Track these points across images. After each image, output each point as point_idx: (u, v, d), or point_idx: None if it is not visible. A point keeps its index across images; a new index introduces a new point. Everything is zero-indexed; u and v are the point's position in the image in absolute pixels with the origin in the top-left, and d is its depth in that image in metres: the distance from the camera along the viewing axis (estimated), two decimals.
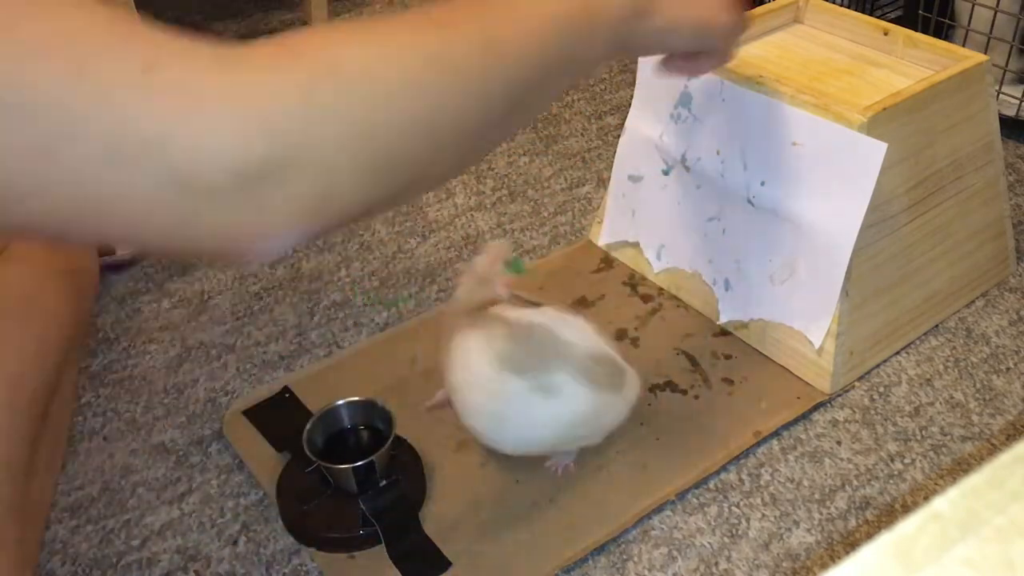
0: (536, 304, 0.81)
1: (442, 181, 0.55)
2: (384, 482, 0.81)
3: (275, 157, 0.42)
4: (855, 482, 0.85)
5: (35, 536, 0.79)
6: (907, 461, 0.86)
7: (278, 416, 0.92)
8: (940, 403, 0.92)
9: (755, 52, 1.05)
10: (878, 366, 0.96)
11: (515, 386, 0.76)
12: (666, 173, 1.03)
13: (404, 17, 0.52)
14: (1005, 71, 1.29)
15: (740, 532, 0.81)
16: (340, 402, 0.85)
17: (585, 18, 0.59)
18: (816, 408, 0.92)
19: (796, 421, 0.91)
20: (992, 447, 0.88)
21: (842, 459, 0.87)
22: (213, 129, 0.41)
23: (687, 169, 1.00)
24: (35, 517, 0.79)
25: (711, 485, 0.85)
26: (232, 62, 0.43)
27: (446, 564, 0.78)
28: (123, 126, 0.40)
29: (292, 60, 0.45)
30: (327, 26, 0.50)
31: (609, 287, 1.08)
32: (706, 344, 0.99)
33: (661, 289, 1.07)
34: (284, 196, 0.43)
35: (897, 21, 1.19)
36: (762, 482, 0.85)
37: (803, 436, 0.89)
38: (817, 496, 0.84)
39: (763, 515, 0.82)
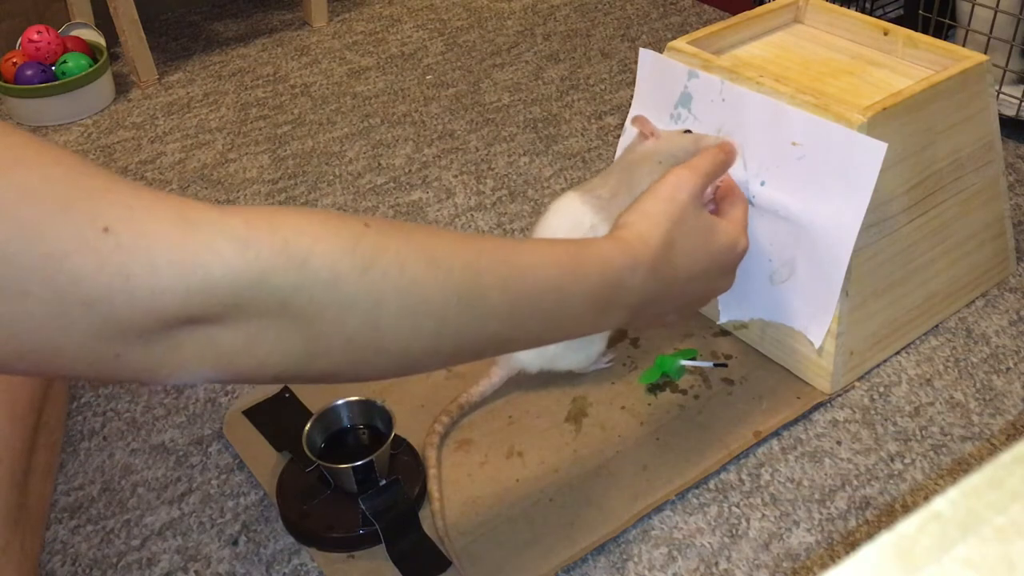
0: None
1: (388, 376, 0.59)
2: (384, 482, 0.81)
3: (208, 313, 0.44)
4: (855, 482, 0.85)
5: (35, 540, 0.79)
6: (907, 461, 0.86)
7: (278, 416, 0.92)
8: (940, 403, 0.92)
9: (755, 52, 1.05)
10: (878, 366, 0.96)
11: None
12: None
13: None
14: (1005, 71, 1.29)
15: (740, 532, 0.81)
16: (340, 402, 0.85)
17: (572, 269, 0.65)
18: (816, 408, 0.92)
19: (796, 421, 0.91)
20: (992, 447, 0.88)
21: (842, 459, 0.87)
22: (158, 284, 0.42)
23: None
24: (34, 521, 0.79)
25: (711, 485, 0.85)
26: (196, 224, 0.44)
27: (446, 564, 0.78)
28: (74, 286, 0.40)
29: (267, 234, 0.46)
30: (314, 214, 0.50)
31: None
32: (706, 344, 0.99)
33: None
34: (203, 345, 0.45)
35: (897, 21, 1.19)
36: (762, 482, 0.85)
37: (803, 436, 0.89)
38: (817, 496, 0.84)
39: (763, 515, 0.82)
